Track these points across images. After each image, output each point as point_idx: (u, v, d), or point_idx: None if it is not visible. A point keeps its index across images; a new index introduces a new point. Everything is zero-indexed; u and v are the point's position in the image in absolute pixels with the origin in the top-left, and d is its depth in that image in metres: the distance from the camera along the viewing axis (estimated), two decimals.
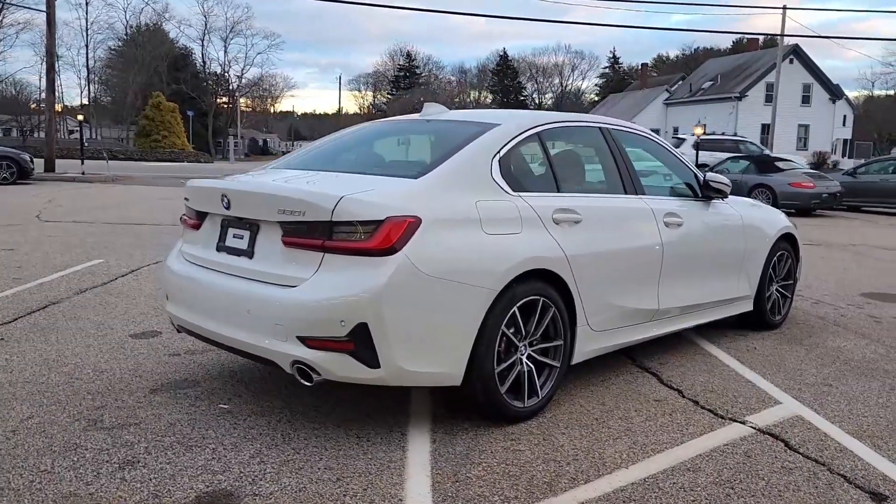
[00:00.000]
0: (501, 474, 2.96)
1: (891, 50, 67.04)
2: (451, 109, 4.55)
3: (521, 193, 3.58)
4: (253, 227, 3.35)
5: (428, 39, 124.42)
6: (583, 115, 4.49)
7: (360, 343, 3.00)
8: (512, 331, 3.40)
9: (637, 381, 4.19)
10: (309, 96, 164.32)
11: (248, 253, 3.34)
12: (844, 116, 53.36)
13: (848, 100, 55.19)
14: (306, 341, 3.03)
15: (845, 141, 53.89)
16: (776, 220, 5.55)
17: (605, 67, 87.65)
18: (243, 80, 73.45)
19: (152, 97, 51.28)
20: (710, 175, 4.79)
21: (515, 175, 3.65)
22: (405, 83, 79.14)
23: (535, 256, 3.45)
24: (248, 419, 3.46)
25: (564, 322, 3.64)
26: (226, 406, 3.63)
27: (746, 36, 62.86)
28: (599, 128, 4.33)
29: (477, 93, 70.93)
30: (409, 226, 3.06)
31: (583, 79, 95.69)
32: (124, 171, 24.84)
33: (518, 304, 3.38)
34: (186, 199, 3.76)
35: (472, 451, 3.17)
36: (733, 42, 77.28)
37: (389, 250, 3.01)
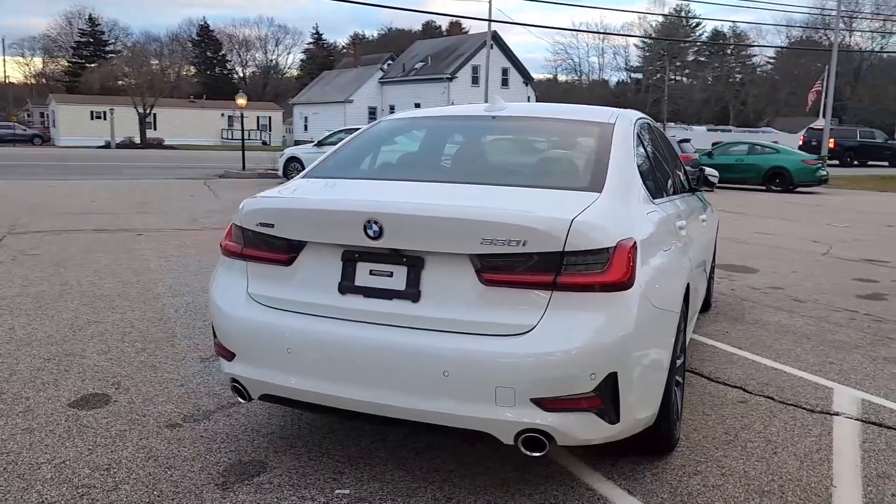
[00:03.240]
0: None
1: (556, 39, 76.87)
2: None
3: (655, 200, 3.26)
4: (414, 261, 2.56)
5: (108, 2, 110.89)
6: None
7: (606, 397, 2.47)
8: None
9: (698, 383, 4.13)
10: None
11: (411, 295, 2.55)
12: (529, 98, 59.62)
13: (532, 83, 61.76)
14: (543, 404, 2.41)
15: None
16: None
17: (310, 43, 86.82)
18: None
19: None
20: (708, 169, 4.87)
21: (645, 181, 3.30)
22: (89, 50, 69.99)
23: (688, 270, 3.18)
24: None
25: (683, 334, 3.42)
26: (345, 491, 2.79)
27: (442, 16, 67.02)
28: (648, 123, 4.12)
29: (177, 66, 65.07)
30: (633, 250, 2.58)
31: (288, 53, 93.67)
32: None
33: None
34: (267, 223, 2.75)
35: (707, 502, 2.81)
36: (423, 25, 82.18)
37: (628, 282, 2.50)
